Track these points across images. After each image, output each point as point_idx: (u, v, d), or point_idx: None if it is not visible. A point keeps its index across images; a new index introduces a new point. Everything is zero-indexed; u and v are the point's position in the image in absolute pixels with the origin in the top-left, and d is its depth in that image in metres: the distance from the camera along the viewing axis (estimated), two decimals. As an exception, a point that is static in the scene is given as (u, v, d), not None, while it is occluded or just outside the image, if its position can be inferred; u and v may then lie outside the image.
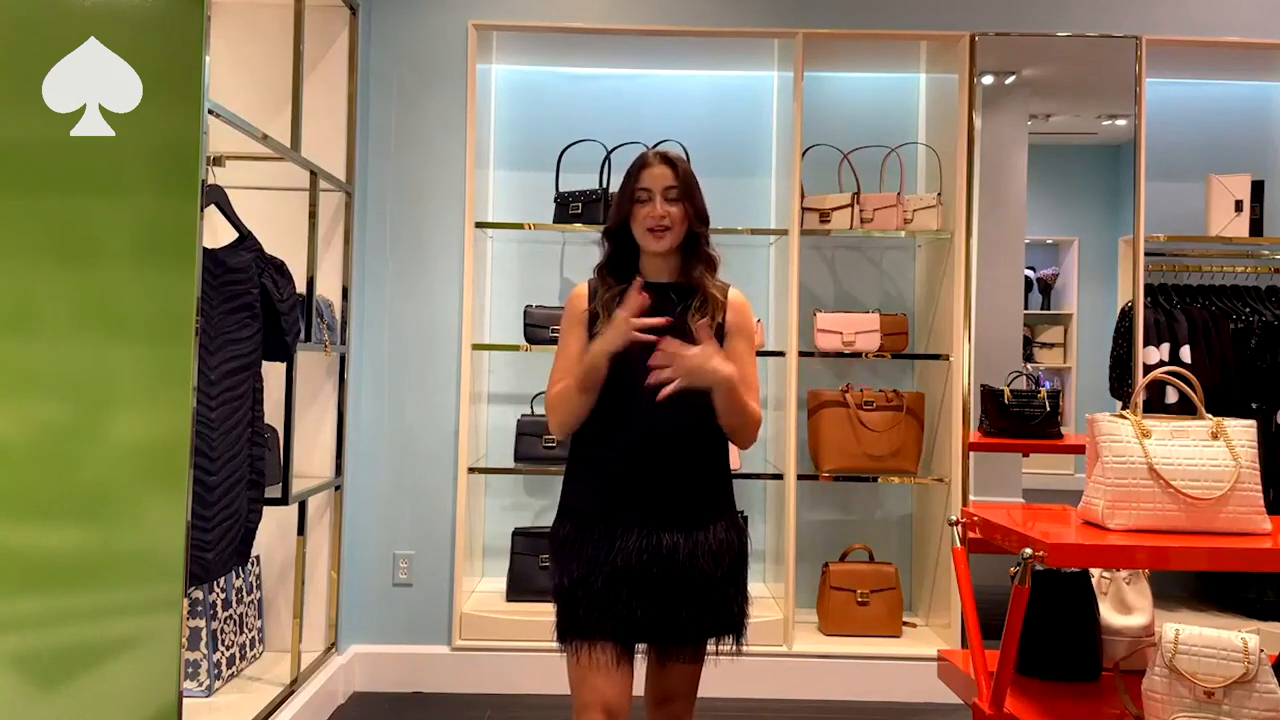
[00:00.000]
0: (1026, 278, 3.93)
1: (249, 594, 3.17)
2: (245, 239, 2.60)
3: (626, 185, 1.97)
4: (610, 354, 1.85)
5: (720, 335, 1.95)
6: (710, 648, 1.96)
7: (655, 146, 3.34)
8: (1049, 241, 4.07)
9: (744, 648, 1.97)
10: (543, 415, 3.57)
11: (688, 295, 1.98)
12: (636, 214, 1.95)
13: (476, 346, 3.51)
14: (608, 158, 3.54)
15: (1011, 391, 3.56)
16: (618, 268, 2.01)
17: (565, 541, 1.94)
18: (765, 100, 3.81)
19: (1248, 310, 3.64)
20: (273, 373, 2.77)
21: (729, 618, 1.94)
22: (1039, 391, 3.59)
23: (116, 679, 2.12)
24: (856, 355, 3.55)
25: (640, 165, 1.97)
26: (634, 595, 1.87)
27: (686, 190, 1.95)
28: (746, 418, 1.91)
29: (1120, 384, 3.58)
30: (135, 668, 2.13)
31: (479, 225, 3.52)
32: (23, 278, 2.13)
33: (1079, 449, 3.57)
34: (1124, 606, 2.19)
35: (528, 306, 3.55)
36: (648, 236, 1.94)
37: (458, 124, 3.55)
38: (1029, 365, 3.95)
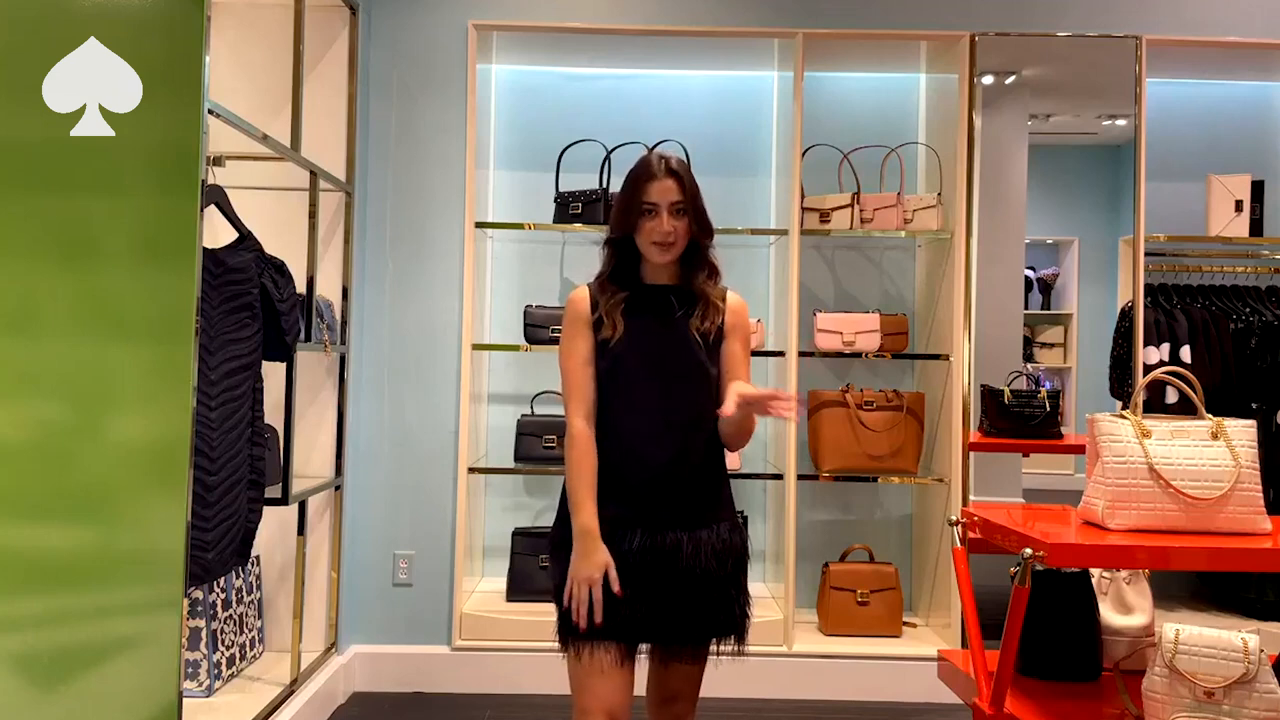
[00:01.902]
0: (1026, 278, 3.93)
1: (249, 594, 3.17)
2: (245, 239, 2.60)
3: (631, 195, 1.95)
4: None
5: (719, 336, 1.98)
6: (712, 648, 1.96)
7: (655, 148, 3.37)
8: (1049, 241, 4.06)
9: (746, 649, 1.97)
10: (542, 415, 3.57)
11: (687, 299, 1.99)
12: (642, 227, 1.95)
13: (476, 346, 3.51)
14: (608, 158, 3.54)
15: (1011, 391, 3.57)
16: (619, 274, 2.02)
17: (566, 543, 1.94)
18: (765, 100, 3.81)
19: (1248, 310, 3.64)
20: (273, 373, 2.77)
21: (730, 618, 1.94)
22: (1039, 391, 3.59)
23: (116, 679, 2.12)
24: (856, 355, 3.55)
25: (646, 176, 1.95)
26: (636, 595, 1.87)
27: (692, 203, 1.95)
28: (748, 428, 1.96)
29: (1120, 384, 3.58)
30: (135, 668, 2.13)
31: (479, 225, 3.52)
32: (23, 278, 2.13)
33: (1079, 449, 3.57)
34: (1124, 606, 2.19)
35: (528, 306, 3.55)
36: (653, 249, 1.95)
37: (458, 124, 3.55)
38: (1029, 365, 3.95)
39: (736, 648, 1.96)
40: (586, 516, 1.89)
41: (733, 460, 3.41)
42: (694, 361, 1.94)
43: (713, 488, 1.98)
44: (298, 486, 2.99)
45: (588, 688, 1.88)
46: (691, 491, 1.94)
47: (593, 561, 1.86)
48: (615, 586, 1.85)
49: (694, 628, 1.91)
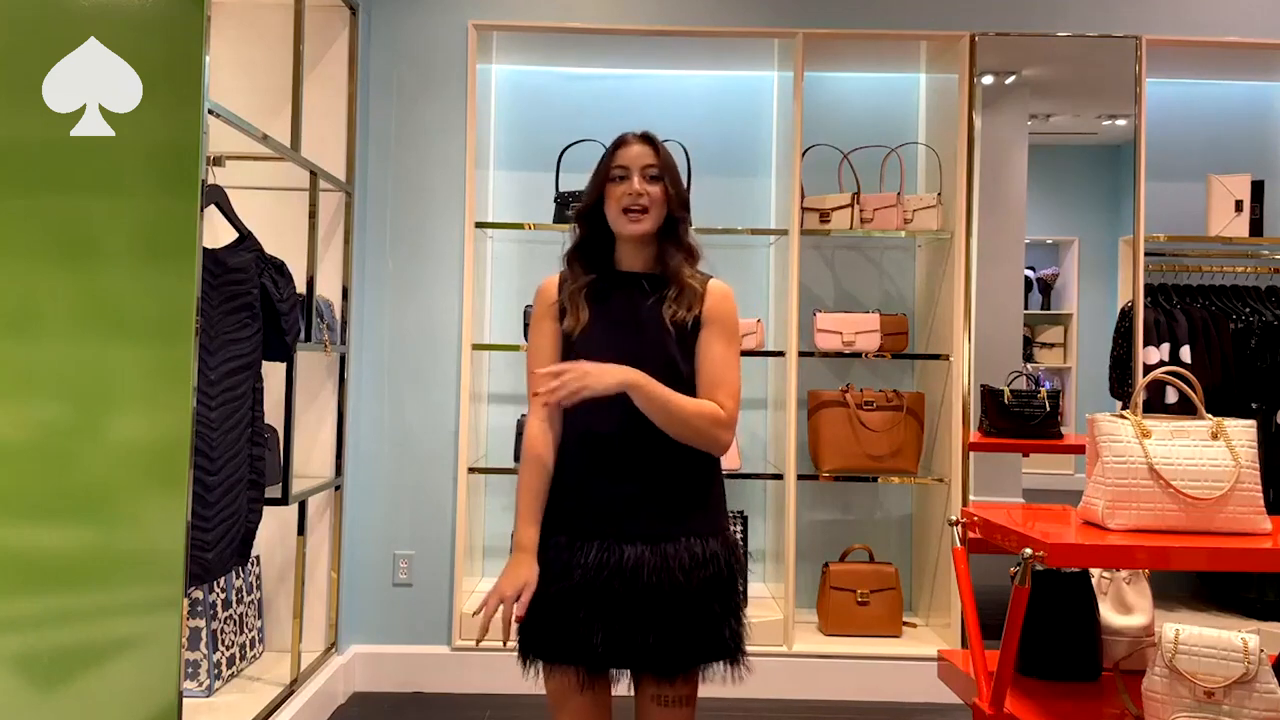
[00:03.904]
0: (1026, 278, 3.93)
1: (249, 594, 3.17)
2: (245, 239, 2.60)
3: (602, 164, 1.82)
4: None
5: (697, 326, 1.78)
6: (703, 674, 1.79)
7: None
8: (1049, 241, 4.07)
9: (742, 673, 1.79)
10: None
11: (663, 286, 1.80)
12: (612, 193, 1.78)
13: (476, 346, 3.51)
14: (608, 158, 3.54)
15: (1011, 391, 3.56)
16: (589, 255, 1.85)
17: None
18: (765, 100, 3.81)
19: (1248, 310, 3.64)
20: (273, 373, 2.77)
21: (717, 640, 1.74)
22: (1039, 391, 3.59)
23: (116, 679, 2.12)
24: (856, 355, 3.55)
25: (617, 144, 1.82)
26: (593, 616, 1.70)
27: (667, 170, 1.79)
28: (679, 419, 1.71)
29: (1120, 384, 3.58)
30: (135, 668, 2.13)
31: (479, 225, 3.52)
32: (23, 278, 2.13)
33: (1079, 449, 3.57)
34: (1124, 606, 2.19)
35: (528, 306, 3.54)
36: (622, 219, 1.77)
37: (458, 124, 3.55)
38: (1029, 365, 3.95)
39: (731, 672, 1.77)
40: (522, 530, 1.76)
41: (733, 460, 3.41)
42: (665, 358, 1.75)
43: (686, 497, 1.77)
44: (298, 486, 2.99)
45: (559, 710, 1.80)
46: (658, 501, 1.74)
47: (513, 578, 1.73)
48: (519, 611, 1.72)
49: (663, 655, 1.71)
